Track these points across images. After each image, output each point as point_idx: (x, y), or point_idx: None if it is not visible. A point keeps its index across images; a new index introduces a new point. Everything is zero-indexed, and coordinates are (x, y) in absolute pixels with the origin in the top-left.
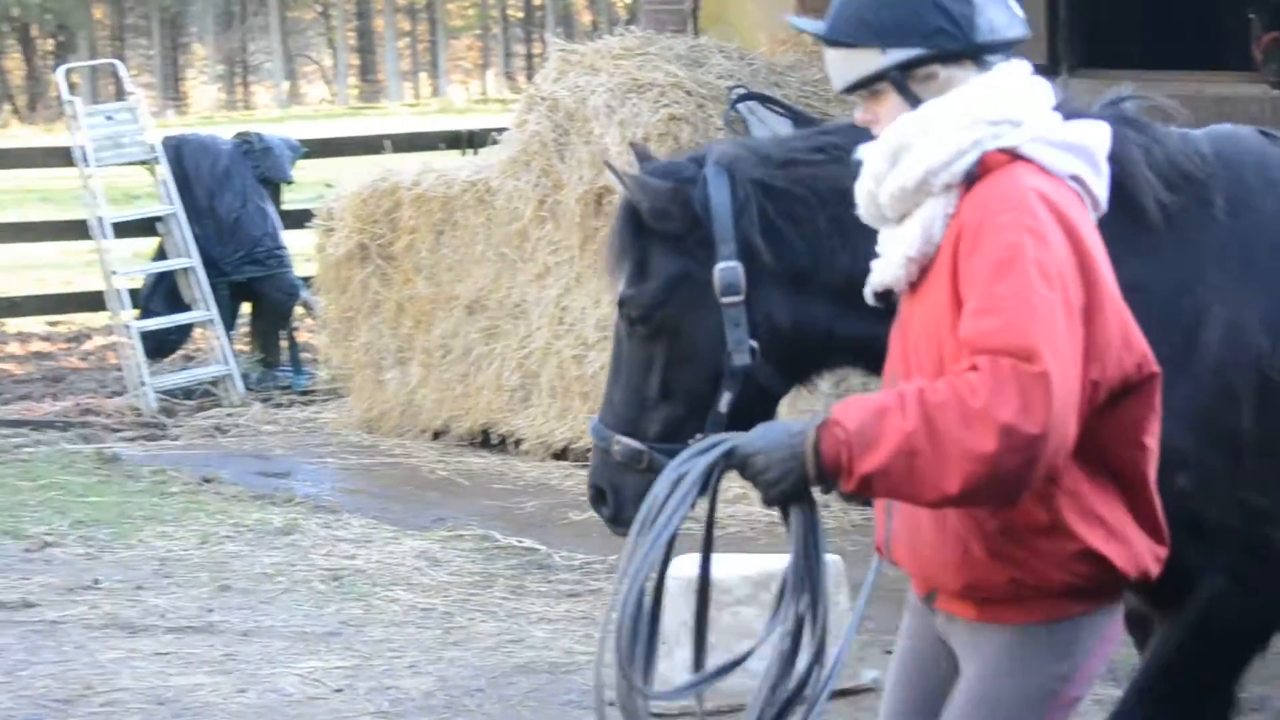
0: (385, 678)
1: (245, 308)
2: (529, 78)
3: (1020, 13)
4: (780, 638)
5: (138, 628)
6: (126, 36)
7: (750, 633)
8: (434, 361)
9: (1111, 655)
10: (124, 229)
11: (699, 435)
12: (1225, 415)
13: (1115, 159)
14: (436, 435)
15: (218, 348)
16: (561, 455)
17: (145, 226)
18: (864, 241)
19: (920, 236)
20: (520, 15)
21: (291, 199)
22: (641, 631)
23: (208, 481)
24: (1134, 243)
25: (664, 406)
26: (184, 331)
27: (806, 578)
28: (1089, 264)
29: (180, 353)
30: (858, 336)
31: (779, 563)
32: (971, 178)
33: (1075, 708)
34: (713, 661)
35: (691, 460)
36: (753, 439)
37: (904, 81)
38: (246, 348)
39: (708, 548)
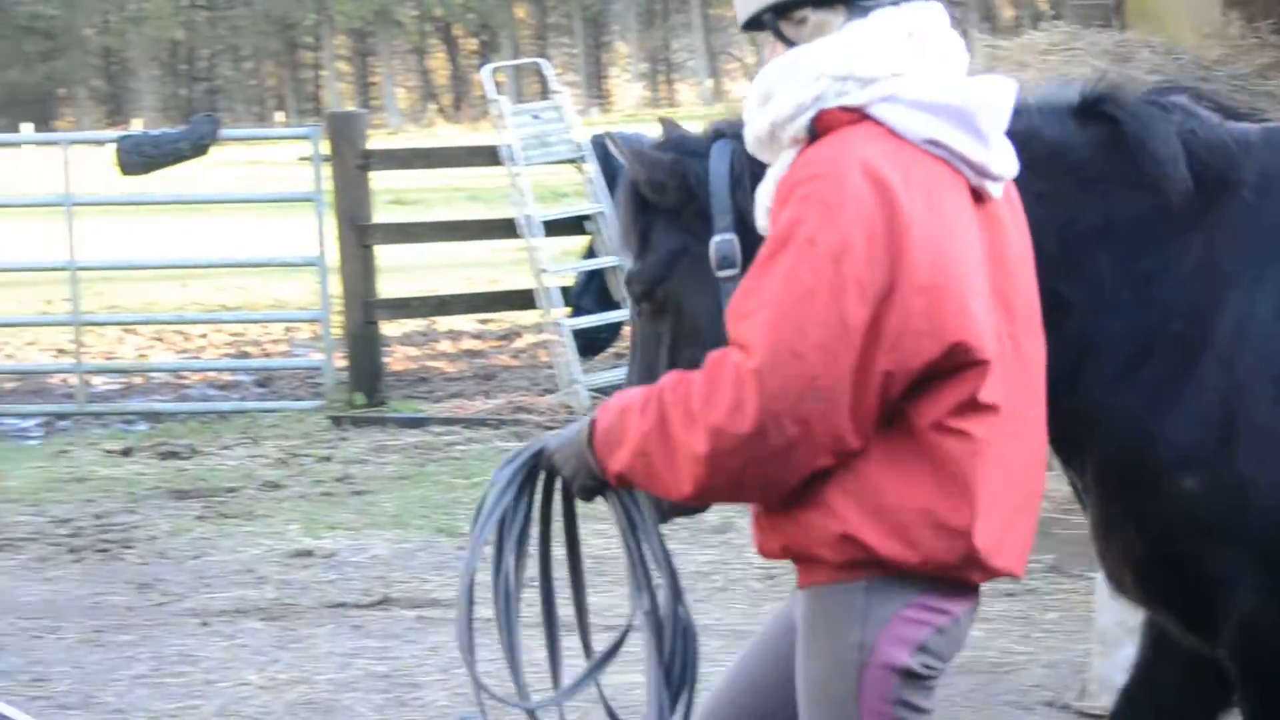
0: None
1: None
2: None
3: None
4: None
5: (572, 625)
6: (549, 35)
7: None
8: None
9: None
10: (553, 227)
11: None
12: (1238, 411)
13: (1139, 136)
14: None
15: None
16: None
17: (573, 225)
18: None
19: (774, 189)
20: None
21: None
22: (467, 625)
23: None
24: (1154, 226)
25: None
26: (615, 329)
27: (638, 567)
28: (899, 242)
29: (611, 350)
30: None
31: None
32: (813, 135)
33: (915, 682)
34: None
35: (508, 464)
36: (554, 438)
37: (776, 24)
38: None
39: (545, 546)
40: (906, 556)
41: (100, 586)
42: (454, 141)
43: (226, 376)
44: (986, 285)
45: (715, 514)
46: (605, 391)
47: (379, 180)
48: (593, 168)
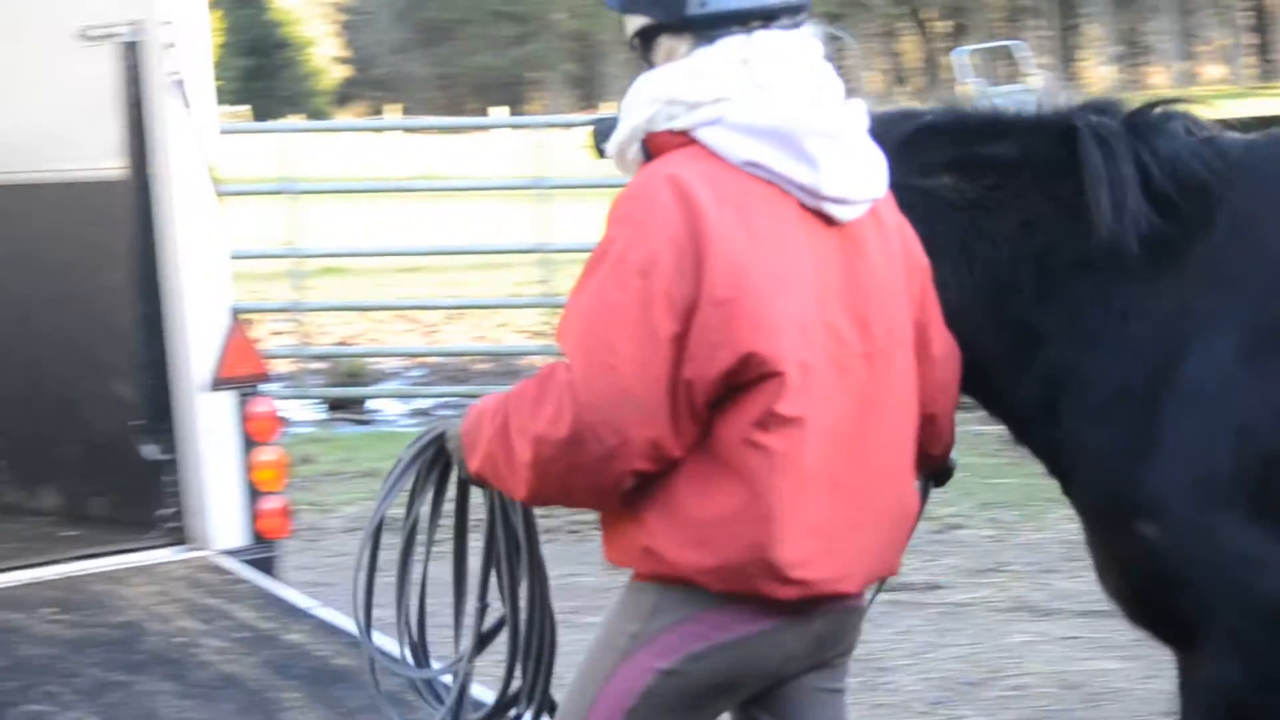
0: None
1: None
2: None
3: None
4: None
5: (1045, 611)
6: (1019, 18)
7: None
8: None
9: None
10: None
11: None
12: (1200, 459)
13: (1093, 178)
14: None
15: None
16: None
17: None
18: None
19: None
20: None
21: None
22: (364, 602)
23: None
24: (1122, 264)
25: None
26: None
27: (501, 561)
28: (703, 257)
29: None
30: None
31: None
32: (647, 156)
33: (658, 679)
34: None
35: (412, 445)
36: (451, 423)
37: (642, 48)
38: None
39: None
40: (700, 565)
41: (572, 567)
42: None
43: None
44: (816, 302)
45: None
46: None
47: None
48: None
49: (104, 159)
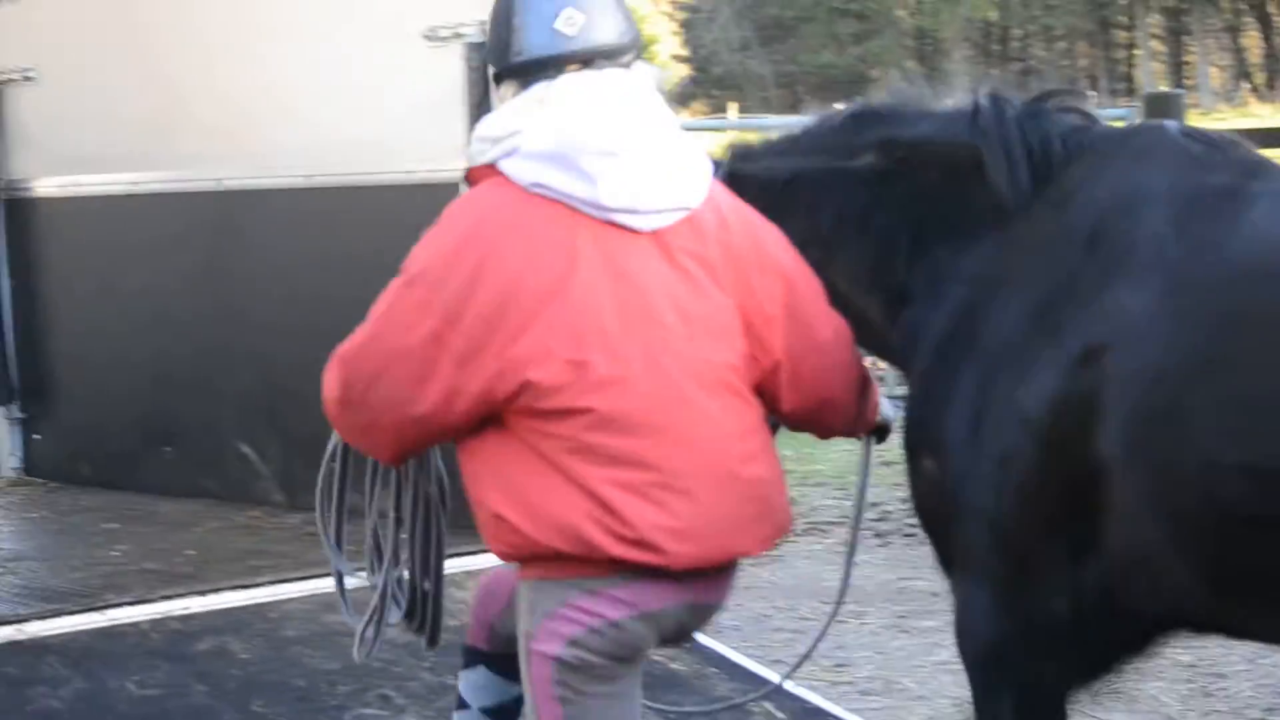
0: None
1: None
2: None
3: (577, 28)
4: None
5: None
6: None
7: None
8: None
9: None
10: None
11: None
12: (974, 409)
13: (991, 148)
14: None
15: None
16: None
17: None
18: None
19: None
20: None
21: None
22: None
23: None
24: (975, 227)
25: None
26: None
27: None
28: (480, 274)
29: None
30: None
31: None
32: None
33: (559, 666)
34: None
35: None
36: None
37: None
38: None
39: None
40: (532, 526)
41: (906, 571)
42: (1268, 122)
43: None
44: (611, 305)
45: None
46: None
47: None
48: None
49: (450, 160)
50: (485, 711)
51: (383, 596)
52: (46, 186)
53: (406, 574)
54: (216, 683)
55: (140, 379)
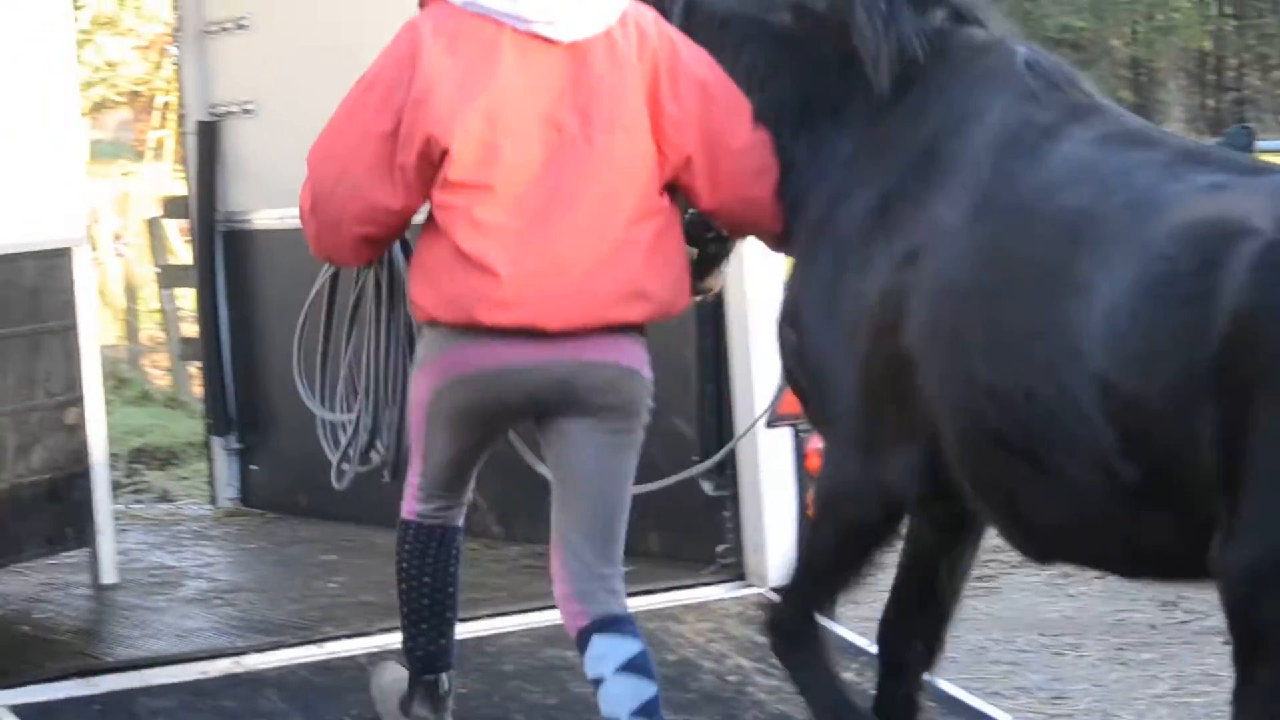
0: None
1: None
2: None
3: None
4: None
5: None
6: None
7: None
8: None
9: None
10: None
11: None
12: (828, 287)
13: (859, 34)
14: None
15: None
16: None
17: None
18: None
19: None
20: None
21: None
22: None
23: None
24: (854, 113)
25: None
26: None
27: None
28: (413, 74)
29: None
30: None
31: None
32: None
33: (433, 395)
34: None
35: None
36: None
37: None
38: None
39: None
40: (434, 301)
41: (1123, 604)
42: None
43: None
44: (522, 100)
45: None
46: None
47: None
48: None
49: None
50: (619, 670)
51: (356, 429)
52: (264, 218)
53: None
54: None
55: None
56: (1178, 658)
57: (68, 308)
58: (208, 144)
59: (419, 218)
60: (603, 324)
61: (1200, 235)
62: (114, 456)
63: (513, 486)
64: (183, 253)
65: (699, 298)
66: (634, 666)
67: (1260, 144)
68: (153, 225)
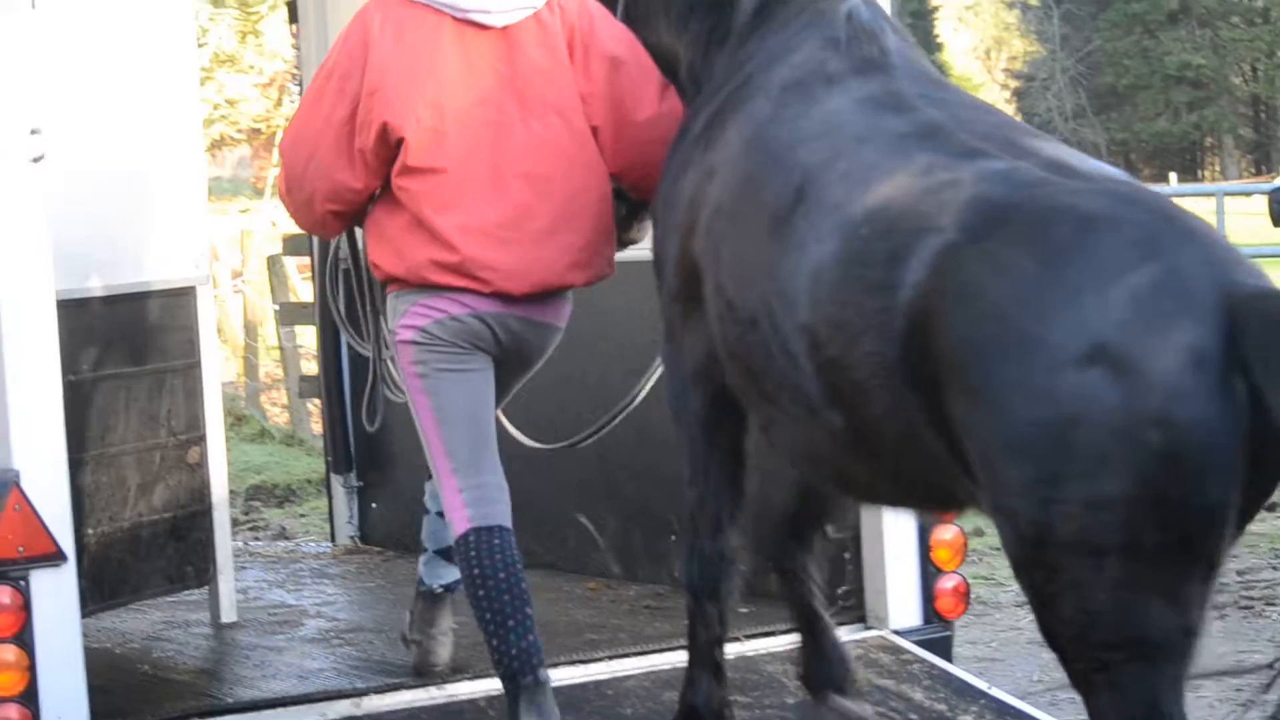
0: None
1: None
2: None
3: None
4: None
5: None
6: None
7: None
8: None
9: None
10: None
11: None
12: (676, 200)
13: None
14: None
15: None
16: None
17: None
18: None
19: None
20: None
21: None
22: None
23: None
24: (719, 47)
25: None
26: None
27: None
28: (365, 64)
29: None
30: None
31: None
32: None
33: (415, 339)
34: None
35: None
36: None
37: None
38: None
39: None
40: (397, 267)
41: (1242, 644)
42: None
43: None
44: (462, 86)
45: None
46: None
47: None
48: None
49: None
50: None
51: (374, 374)
52: None
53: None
54: None
55: None
56: None
57: (191, 346)
58: None
59: None
60: (551, 288)
61: (892, 223)
62: (231, 494)
63: (632, 527)
64: (302, 290)
65: (622, 248)
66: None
67: None
68: (273, 263)
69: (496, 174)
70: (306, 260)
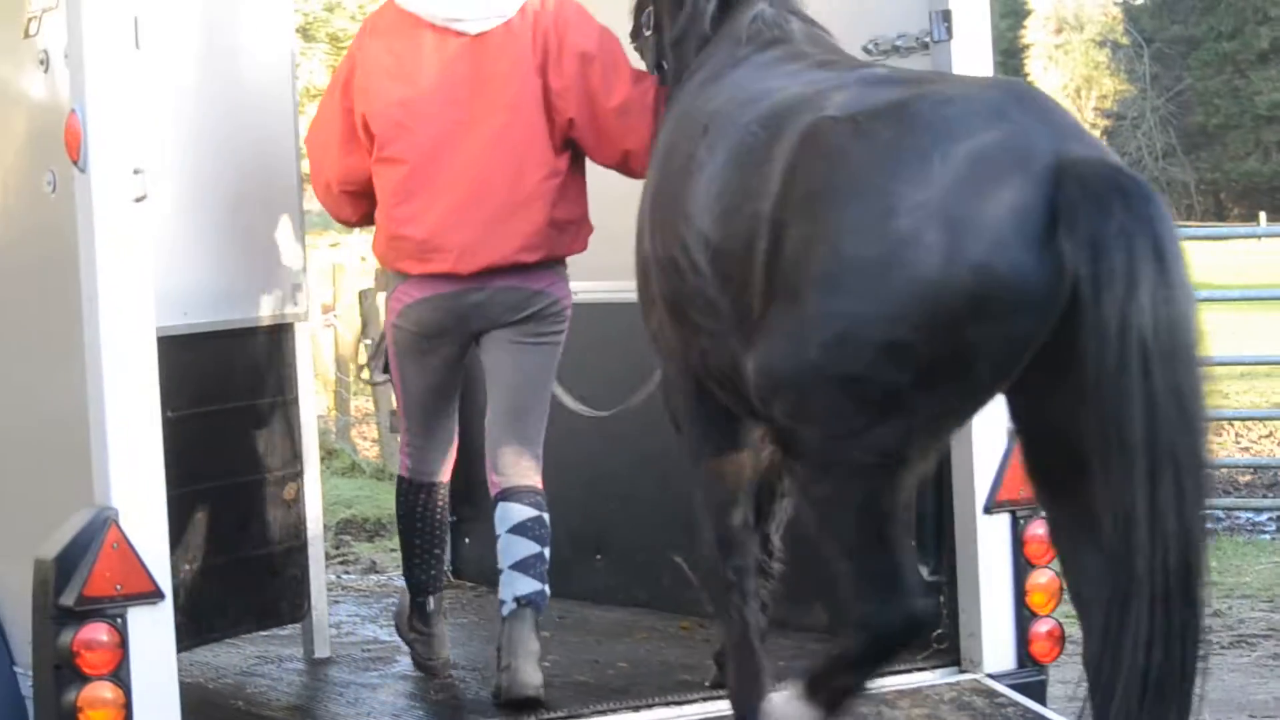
0: None
1: None
2: None
3: None
4: None
5: None
6: None
7: None
8: None
9: None
10: None
11: None
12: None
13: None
14: None
15: None
16: None
17: None
18: None
19: None
20: None
21: None
22: None
23: None
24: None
25: None
26: None
27: None
28: (357, 66)
29: None
30: None
31: None
32: None
33: (394, 325)
34: None
35: None
36: None
37: None
38: None
39: None
40: (380, 250)
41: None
42: None
43: None
44: (432, 86)
45: None
46: None
47: None
48: None
49: None
50: (509, 530)
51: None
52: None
53: None
54: None
55: (571, 485)
56: None
57: (288, 382)
58: None
59: None
60: (501, 268)
61: (779, 115)
62: (323, 528)
63: None
64: None
65: None
66: (522, 529)
67: None
68: (364, 297)
69: (453, 167)
70: None
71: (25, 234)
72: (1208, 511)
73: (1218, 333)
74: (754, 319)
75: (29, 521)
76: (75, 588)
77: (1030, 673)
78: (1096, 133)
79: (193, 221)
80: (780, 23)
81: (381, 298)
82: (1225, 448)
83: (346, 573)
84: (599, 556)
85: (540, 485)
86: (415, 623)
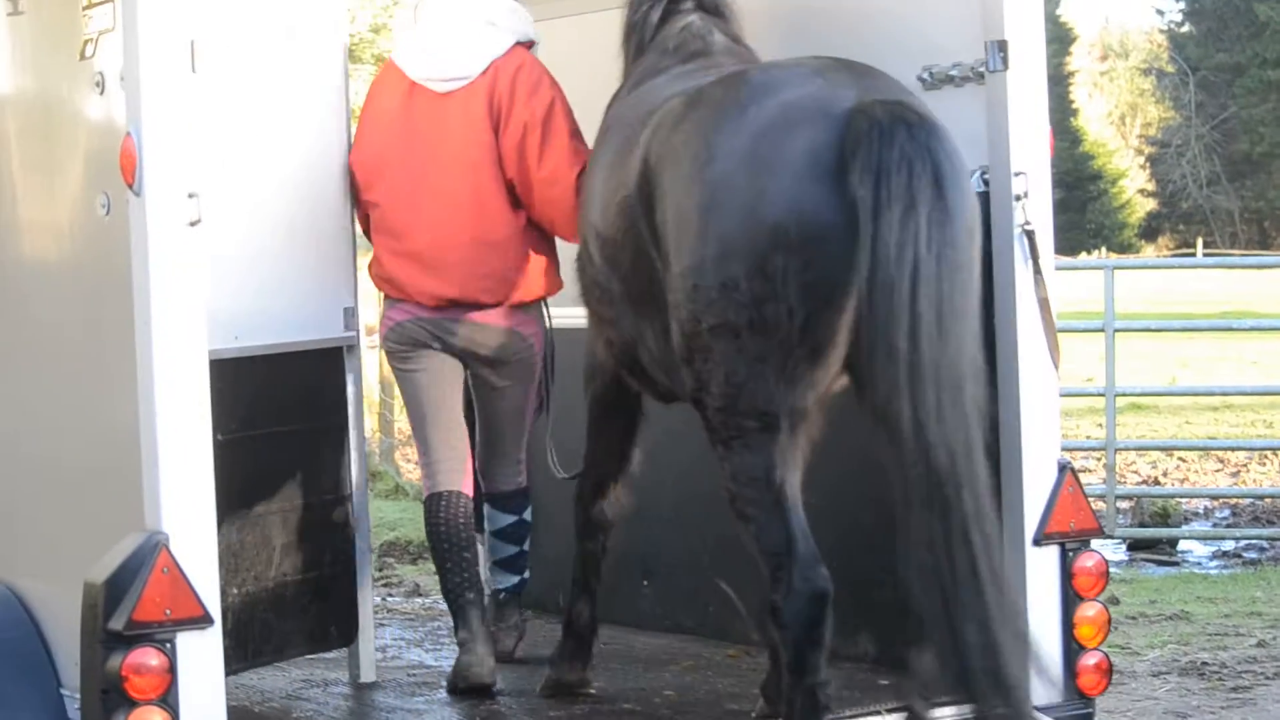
0: None
1: None
2: None
3: None
4: None
5: None
6: None
7: None
8: None
9: None
10: None
11: None
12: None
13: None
14: None
15: None
16: None
17: None
18: None
19: None
20: None
21: None
22: None
23: None
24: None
25: None
26: None
27: None
28: (364, 109)
29: None
30: None
31: None
32: None
33: (384, 339)
34: None
35: None
36: None
37: None
38: None
39: None
40: (370, 275)
41: None
42: None
43: None
44: (402, 138)
45: None
46: None
47: None
48: None
49: None
50: (493, 534)
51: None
52: (562, 317)
53: None
54: None
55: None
56: None
57: (338, 406)
58: None
59: None
60: (468, 302)
61: (654, 112)
62: None
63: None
64: None
65: None
66: (503, 534)
67: None
68: None
69: (416, 214)
70: None
71: (78, 256)
72: (976, 425)
73: (1262, 361)
74: (644, 300)
75: (78, 544)
76: (125, 612)
77: (1077, 706)
78: (1140, 160)
79: (245, 245)
80: (704, 34)
81: None
82: (1271, 478)
83: (390, 595)
84: (645, 582)
85: (524, 482)
86: (460, 632)
